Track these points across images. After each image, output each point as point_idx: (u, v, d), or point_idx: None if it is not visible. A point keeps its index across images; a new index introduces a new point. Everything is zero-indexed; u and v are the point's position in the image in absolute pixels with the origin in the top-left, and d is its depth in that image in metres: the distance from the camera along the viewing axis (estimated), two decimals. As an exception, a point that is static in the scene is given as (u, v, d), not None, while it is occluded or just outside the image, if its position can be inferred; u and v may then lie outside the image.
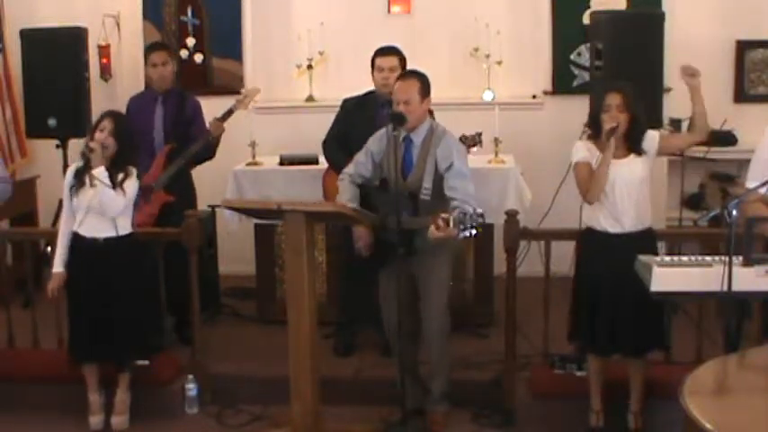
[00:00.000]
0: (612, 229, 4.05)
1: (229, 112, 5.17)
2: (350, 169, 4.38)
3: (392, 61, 4.93)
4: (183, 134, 5.15)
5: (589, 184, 4.03)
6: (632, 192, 4.04)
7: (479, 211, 3.81)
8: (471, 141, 4.91)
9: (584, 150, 4.11)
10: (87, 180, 4.26)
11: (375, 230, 4.20)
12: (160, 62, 5.22)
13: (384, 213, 4.12)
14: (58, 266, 4.40)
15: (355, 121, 4.95)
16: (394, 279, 4.09)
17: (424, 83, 4.24)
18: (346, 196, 4.29)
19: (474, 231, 3.75)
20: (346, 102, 5.14)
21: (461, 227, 3.74)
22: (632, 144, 4.05)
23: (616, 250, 4.00)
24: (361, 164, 4.34)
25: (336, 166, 4.91)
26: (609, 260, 4.02)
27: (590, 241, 4.14)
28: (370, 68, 4.99)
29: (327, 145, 5.07)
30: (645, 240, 4.06)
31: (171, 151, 5.12)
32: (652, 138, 4.09)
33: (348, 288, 5.18)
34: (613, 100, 4.00)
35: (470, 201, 4.02)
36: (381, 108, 4.86)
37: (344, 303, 5.26)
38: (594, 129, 4.09)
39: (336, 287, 5.40)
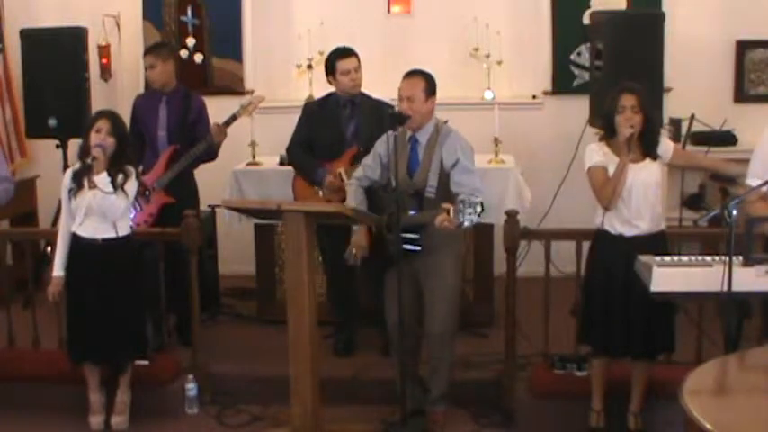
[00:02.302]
0: (628, 232, 4.02)
1: (233, 118, 5.15)
2: (358, 173, 4.39)
3: (354, 62, 4.95)
4: (188, 134, 5.14)
5: (605, 189, 3.98)
6: (649, 195, 4.01)
7: (478, 199, 3.80)
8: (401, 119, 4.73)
9: (599, 155, 4.05)
10: (86, 183, 4.26)
11: (377, 231, 4.19)
12: (148, 65, 5.20)
13: (390, 213, 4.11)
14: (57, 270, 4.39)
15: (319, 125, 4.99)
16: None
17: (429, 82, 4.24)
18: (354, 201, 4.30)
19: (474, 217, 3.74)
20: (308, 106, 5.19)
21: (460, 215, 3.74)
22: (647, 148, 4.02)
23: (630, 253, 3.93)
24: (368, 167, 4.35)
25: (306, 168, 4.98)
26: (623, 263, 3.96)
27: (604, 244, 4.10)
28: (336, 73, 4.91)
29: (292, 151, 5.08)
30: (658, 242, 4.03)
31: (175, 152, 5.11)
32: (667, 148, 4.08)
33: (339, 287, 5.17)
34: (628, 101, 3.96)
35: (477, 194, 4.00)
36: (343, 109, 4.93)
37: (334, 303, 5.25)
38: (608, 130, 4.05)
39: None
